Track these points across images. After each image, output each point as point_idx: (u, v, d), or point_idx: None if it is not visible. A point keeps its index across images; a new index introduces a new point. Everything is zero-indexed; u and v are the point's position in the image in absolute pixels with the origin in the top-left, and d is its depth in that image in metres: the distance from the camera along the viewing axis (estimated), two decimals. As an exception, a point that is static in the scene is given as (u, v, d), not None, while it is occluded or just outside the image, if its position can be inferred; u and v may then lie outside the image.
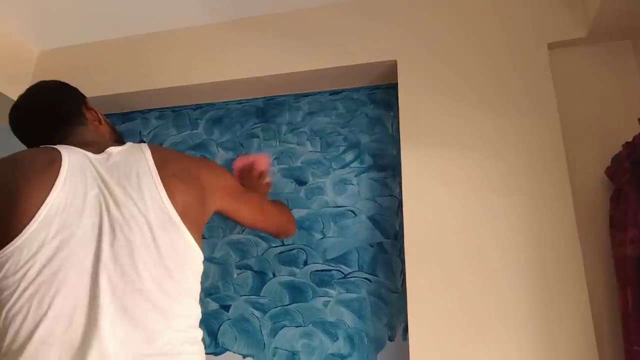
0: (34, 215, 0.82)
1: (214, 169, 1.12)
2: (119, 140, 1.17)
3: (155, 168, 0.96)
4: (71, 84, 1.79)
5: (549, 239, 1.20)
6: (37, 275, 0.80)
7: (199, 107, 1.79)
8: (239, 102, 1.75)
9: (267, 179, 1.52)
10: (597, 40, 1.36)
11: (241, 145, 1.68)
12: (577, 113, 1.33)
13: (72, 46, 1.88)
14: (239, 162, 1.51)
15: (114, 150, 0.98)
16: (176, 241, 0.93)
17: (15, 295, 0.79)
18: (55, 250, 0.82)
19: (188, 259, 0.95)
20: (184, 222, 0.94)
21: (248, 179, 1.44)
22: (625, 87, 1.31)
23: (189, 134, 1.76)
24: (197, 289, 0.97)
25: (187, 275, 0.94)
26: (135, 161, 0.96)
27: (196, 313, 0.95)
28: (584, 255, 1.18)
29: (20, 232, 0.81)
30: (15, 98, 1.16)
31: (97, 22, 1.75)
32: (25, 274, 0.80)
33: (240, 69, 1.63)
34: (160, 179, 0.94)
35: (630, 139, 1.13)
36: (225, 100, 1.77)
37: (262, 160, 1.52)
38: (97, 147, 0.98)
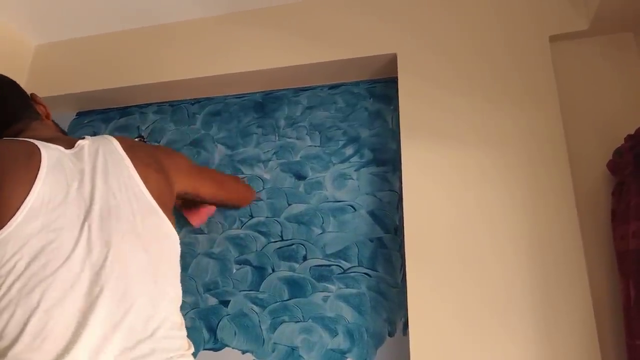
0: (19, 208, 0.81)
1: (169, 153, 1.16)
2: (64, 135, 1.17)
3: (127, 157, 0.98)
4: (68, 78, 1.80)
5: (550, 233, 1.19)
6: (26, 268, 0.79)
7: (197, 101, 1.78)
8: (238, 96, 1.74)
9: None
10: (598, 32, 1.35)
11: (240, 139, 1.67)
12: (579, 106, 1.32)
13: (68, 40, 1.87)
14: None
15: (84, 143, 0.99)
16: (159, 227, 0.97)
17: (3, 290, 0.78)
18: (43, 243, 0.81)
19: (170, 243, 0.99)
20: (160, 207, 0.98)
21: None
22: (627, 80, 1.30)
23: (187, 129, 1.74)
24: (179, 272, 1.01)
25: (172, 259, 0.99)
26: (108, 152, 0.98)
27: (180, 297, 0.99)
28: (586, 249, 1.17)
29: (4, 225, 0.80)
30: None
31: (94, 15, 1.74)
32: (12, 268, 0.79)
33: (238, 63, 1.62)
34: (134, 167, 0.98)
35: (632, 132, 1.12)
36: (224, 95, 1.75)
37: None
38: (65, 142, 0.98)
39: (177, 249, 1.01)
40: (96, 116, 1.87)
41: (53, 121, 1.19)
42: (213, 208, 1.51)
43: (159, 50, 1.74)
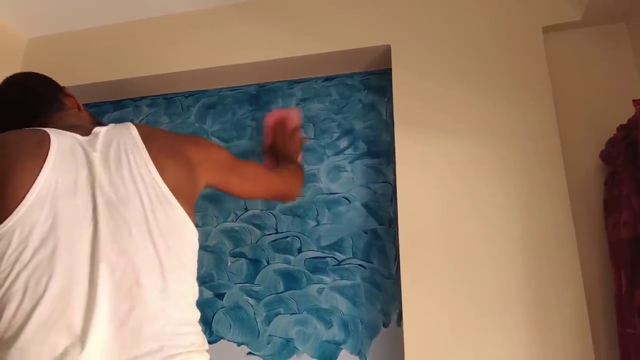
0: (25, 197, 0.80)
1: (198, 143, 1.10)
2: (100, 126, 1.16)
3: (143, 145, 0.95)
4: (61, 71, 1.76)
5: (543, 224, 1.20)
6: (32, 257, 0.78)
7: (191, 94, 1.77)
8: (232, 88, 1.74)
9: (300, 134, 1.51)
10: (591, 23, 1.35)
11: (234, 132, 1.66)
12: (572, 97, 1.32)
13: (61, 33, 1.85)
14: (271, 118, 1.51)
15: (100, 130, 0.97)
16: (172, 218, 0.92)
17: (10, 279, 0.77)
18: (49, 232, 0.80)
19: (184, 235, 0.94)
20: (176, 198, 0.93)
21: (281, 135, 1.46)
22: (620, 70, 1.31)
23: (182, 122, 1.74)
24: (195, 266, 0.96)
25: (186, 252, 0.93)
26: (123, 140, 0.95)
27: (194, 292, 0.94)
28: (578, 239, 1.18)
29: (11, 214, 0.79)
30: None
31: (87, 8, 1.73)
32: (19, 257, 0.78)
33: (232, 55, 1.61)
34: (150, 156, 0.94)
35: (625, 122, 1.12)
36: (218, 87, 1.75)
37: (294, 116, 1.51)
38: (83, 130, 0.96)
39: (192, 242, 0.96)
40: (90, 110, 1.83)
41: (89, 113, 1.19)
42: (294, 116, 1.50)
43: (152, 43, 1.73)
